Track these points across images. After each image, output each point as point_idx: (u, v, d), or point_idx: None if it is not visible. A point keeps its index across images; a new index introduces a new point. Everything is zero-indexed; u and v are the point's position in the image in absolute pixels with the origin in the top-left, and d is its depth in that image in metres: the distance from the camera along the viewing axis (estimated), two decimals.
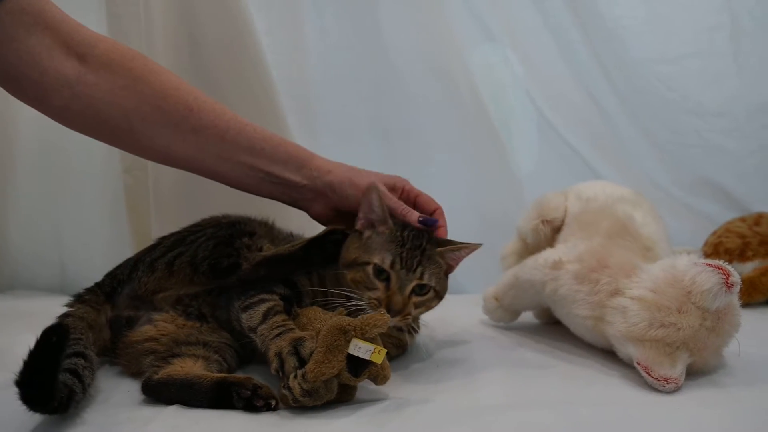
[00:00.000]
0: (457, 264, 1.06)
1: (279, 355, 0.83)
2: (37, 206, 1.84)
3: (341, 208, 1.09)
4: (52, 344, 0.75)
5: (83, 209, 1.82)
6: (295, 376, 0.81)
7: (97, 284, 1.04)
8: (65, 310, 0.99)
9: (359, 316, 0.85)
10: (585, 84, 1.97)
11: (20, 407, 0.72)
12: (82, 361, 0.85)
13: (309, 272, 1.03)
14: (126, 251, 1.67)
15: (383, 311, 0.87)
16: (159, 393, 0.86)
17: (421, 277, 0.98)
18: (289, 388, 0.81)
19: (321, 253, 1.00)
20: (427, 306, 1.02)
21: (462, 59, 1.84)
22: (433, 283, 0.99)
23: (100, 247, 1.78)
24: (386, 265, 0.97)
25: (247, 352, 1.01)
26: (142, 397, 0.88)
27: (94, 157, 1.78)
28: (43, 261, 1.86)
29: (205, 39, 1.65)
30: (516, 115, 1.95)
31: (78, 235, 1.83)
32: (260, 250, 1.00)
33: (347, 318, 0.85)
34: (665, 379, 0.87)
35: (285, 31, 1.84)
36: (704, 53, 1.93)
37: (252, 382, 0.84)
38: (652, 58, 1.94)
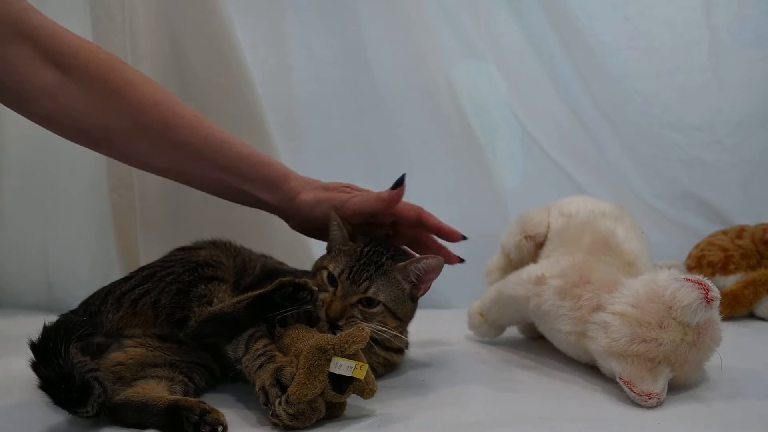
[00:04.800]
0: (426, 283, 1.06)
1: (263, 388, 0.83)
2: (23, 224, 1.83)
3: (312, 225, 1.12)
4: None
5: (70, 228, 1.81)
6: (280, 402, 0.81)
7: (72, 311, 1.03)
8: None
9: (338, 334, 0.85)
10: (567, 100, 1.99)
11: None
12: (101, 374, 0.86)
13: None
14: (113, 270, 1.67)
15: (362, 327, 0.87)
16: (117, 415, 0.85)
17: (365, 291, 0.99)
18: (277, 416, 0.81)
19: (271, 308, 0.91)
20: (382, 323, 1.01)
21: (446, 75, 1.86)
22: (381, 298, 1.00)
23: (86, 266, 1.77)
24: (336, 273, 1.00)
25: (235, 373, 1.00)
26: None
27: (80, 176, 1.77)
28: (29, 279, 1.85)
29: (189, 56, 1.66)
30: (500, 130, 1.97)
31: (64, 253, 1.82)
32: (211, 302, 0.95)
33: (327, 336, 0.85)
34: (647, 394, 0.87)
35: (270, 48, 1.85)
36: (684, 68, 1.96)
37: (201, 406, 0.81)
38: (632, 73, 1.96)
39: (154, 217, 1.66)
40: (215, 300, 0.95)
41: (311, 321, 0.98)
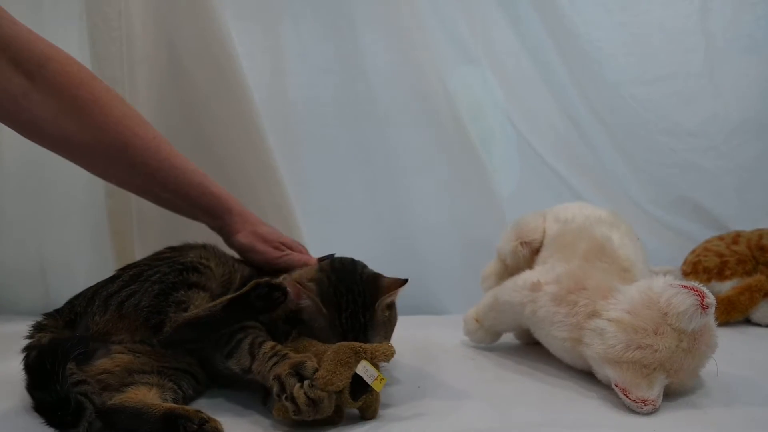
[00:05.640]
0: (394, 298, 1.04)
1: (278, 378, 0.82)
2: (20, 229, 1.82)
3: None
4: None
5: (66, 233, 1.80)
6: (302, 386, 0.80)
7: (57, 311, 1.01)
8: (28, 342, 0.94)
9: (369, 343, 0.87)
10: (563, 105, 1.99)
11: None
12: (89, 387, 0.85)
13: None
14: (109, 274, 1.66)
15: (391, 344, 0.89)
16: (110, 420, 0.84)
17: None
18: (293, 398, 0.80)
19: (248, 311, 0.92)
20: None
21: (442, 82, 1.85)
22: None
23: (83, 270, 1.76)
24: None
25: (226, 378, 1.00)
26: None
27: (76, 182, 1.76)
28: (26, 284, 1.84)
29: (185, 63, 1.66)
30: (496, 136, 1.97)
31: (61, 259, 1.81)
32: (186, 310, 0.94)
33: (357, 342, 0.87)
34: (643, 401, 0.87)
35: (265, 54, 1.85)
36: (680, 74, 1.97)
37: (200, 416, 0.81)
38: (628, 79, 1.96)
39: (151, 222, 1.66)
40: (191, 308, 0.95)
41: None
